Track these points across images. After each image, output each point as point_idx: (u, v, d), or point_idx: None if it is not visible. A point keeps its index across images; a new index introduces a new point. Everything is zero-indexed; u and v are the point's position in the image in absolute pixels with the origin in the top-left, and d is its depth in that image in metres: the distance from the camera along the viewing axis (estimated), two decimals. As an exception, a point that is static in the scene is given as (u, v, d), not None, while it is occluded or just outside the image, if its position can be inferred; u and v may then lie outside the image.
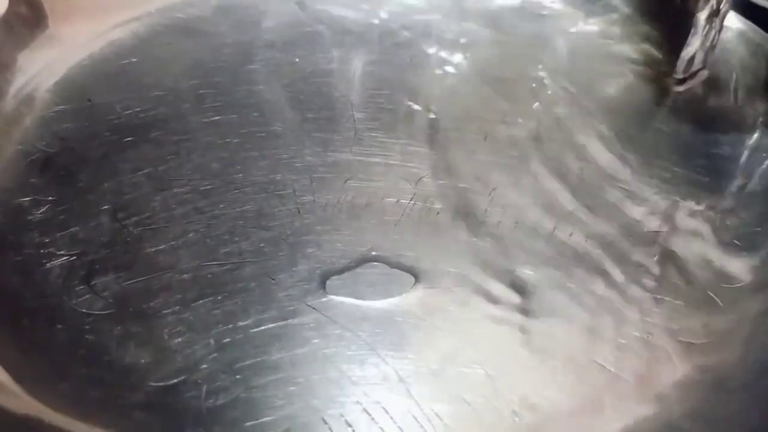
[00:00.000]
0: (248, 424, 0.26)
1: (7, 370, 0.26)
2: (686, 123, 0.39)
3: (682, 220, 0.35)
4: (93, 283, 0.30)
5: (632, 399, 0.28)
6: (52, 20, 0.38)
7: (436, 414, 0.27)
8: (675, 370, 0.29)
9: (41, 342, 0.28)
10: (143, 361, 0.28)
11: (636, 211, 0.35)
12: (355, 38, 0.42)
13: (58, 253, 0.30)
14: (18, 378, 0.26)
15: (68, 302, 0.29)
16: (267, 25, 0.42)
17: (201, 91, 0.38)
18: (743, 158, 0.37)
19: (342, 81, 0.39)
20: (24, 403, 0.25)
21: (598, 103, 0.39)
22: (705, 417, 0.28)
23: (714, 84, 0.40)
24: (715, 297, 0.32)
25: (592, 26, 0.43)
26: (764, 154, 0.37)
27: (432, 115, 0.38)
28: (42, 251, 0.31)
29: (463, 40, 0.42)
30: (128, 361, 0.28)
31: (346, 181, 0.34)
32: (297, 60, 0.40)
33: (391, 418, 0.27)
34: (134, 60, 0.39)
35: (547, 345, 0.30)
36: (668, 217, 0.34)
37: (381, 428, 0.27)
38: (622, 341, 0.30)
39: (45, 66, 0.37)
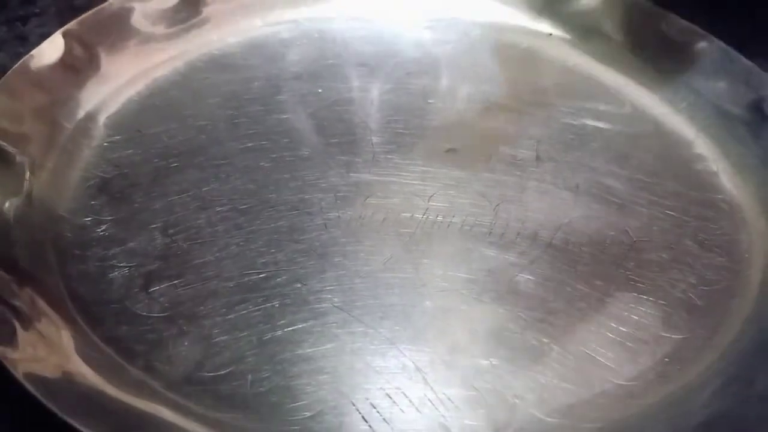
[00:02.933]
0: (287, 407, 0.30)
1: (87, 363, 0.30)
2: (674, 142, 0.42)
3: (669, 229, 0.38)
4: (151, 290, 0.33)
5: (620, 386, 0.32)
6: (103, 60, 0.41)
7: (448, 398, 0.30)
8: (658, 361, 0.33)
9: (111, 341, 0.31)
10: (196, 355, 0.31)
11: (626, 222, 0.38)
12: (372, 70, 0.44)
13: (119, 265, 0.34)
14: (96, 369, 0.29)
15: (130, 307, 0.32)
16: (293, 59, 0.44)
17: (236, 121, 0.40)
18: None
19: (361, 109, 0.42)
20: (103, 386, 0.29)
21: (592, 125, 0.42)
22: (682, 402, 0.31)
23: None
24: (695, 298, 0.35)
25: (587, 54, 0.46)
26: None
27: (442, 139, 0.41)
28: (105, 263, 0.34)
29: (469, 70, 0.45)
30: (184, 355, 0.31)
31: (366, 199, 0.37)
32: (320, 90, 0.42)
33: (410, 401, 0.30)
34: (176, 94, 0.41)
35: (545, 340, 0.33)
36: (656, 227, 0.38)
37: (401, 410, 0.30)
38: (612, 336, 0.33)
39: (99, 101, 0.40)
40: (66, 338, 0.30)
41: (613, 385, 0.32)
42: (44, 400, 0.26)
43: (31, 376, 0.28)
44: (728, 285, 0.36)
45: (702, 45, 0.44)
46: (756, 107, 0.42)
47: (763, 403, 0.31)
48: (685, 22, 0.45)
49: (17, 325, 0.30)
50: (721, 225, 0.38)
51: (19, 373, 0.27)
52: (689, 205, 0.39)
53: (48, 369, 0.28)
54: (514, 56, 0.46)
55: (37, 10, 0.49)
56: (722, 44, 0.44)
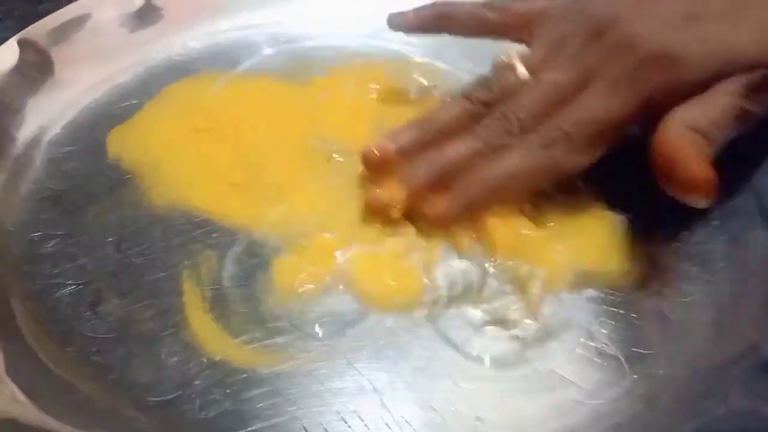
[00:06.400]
0: (237, 432, 0.29)
1: (21, 387, 0.28)
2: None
3: (642, 238, 0.36)
4: (98, 309, 0.32)
5: (588, 405, 0.30)
6: (59, 67, 0.41)
7: (406, 420, 0.29)
8: (626, 377, 0.31)
9: (53, 363, 0.30)
10: (144, 378, 0.30)
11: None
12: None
13: (67, 282, 0.33)
14: (30, 394, 0.28)
15: (77, 327, 0.31)
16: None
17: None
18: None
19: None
20: (35, 415, 0.27)
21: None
22: (652, 423, 0.30)
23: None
24: (667, 311, 0.33)
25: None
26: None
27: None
28: (53, 281, 0.33)
29: (444, 76, 0.44)
30: (130, 379, 0.30)
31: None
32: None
33: (366, 425, 0.29)
34: (135, 102, 0.41)
35: (509, 357, 0.31)
36: (629, 236, 0.36)
37: (356, 434, 0.29)
38: (579, 351, 0.32)
39: (55, 110, 0.39)
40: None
41: (581, 404, 0.30)
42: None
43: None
44: (701, 297, 0.34)
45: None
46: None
47: (735, 421, 0.29)
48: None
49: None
50: (696, 232, 0.37)
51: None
52: (666, 215, 0.37)
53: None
54: (487, 59, 0.43)
55: (0, 15, 0.48)
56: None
